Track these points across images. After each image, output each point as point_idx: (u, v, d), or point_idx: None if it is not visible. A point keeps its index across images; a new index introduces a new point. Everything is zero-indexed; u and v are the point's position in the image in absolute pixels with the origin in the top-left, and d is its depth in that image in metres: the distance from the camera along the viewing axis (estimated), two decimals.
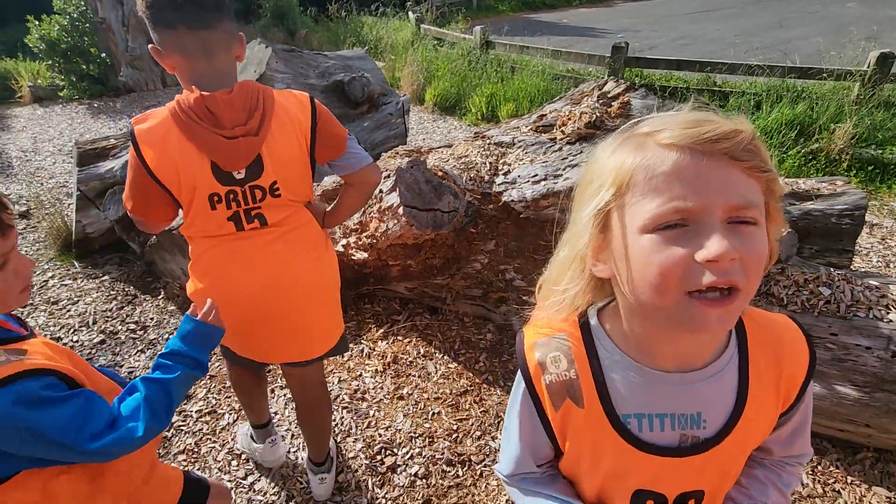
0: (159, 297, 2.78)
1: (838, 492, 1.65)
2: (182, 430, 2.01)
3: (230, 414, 2.06)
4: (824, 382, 1.65)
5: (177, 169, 1.10)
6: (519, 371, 0.65)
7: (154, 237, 2.66)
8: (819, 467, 1.73)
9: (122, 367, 2.35)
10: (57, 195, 4.05)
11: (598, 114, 2.15)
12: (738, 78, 5.07)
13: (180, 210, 1.23)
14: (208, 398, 2.14)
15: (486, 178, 2.16)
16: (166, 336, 2.52)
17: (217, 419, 2.05)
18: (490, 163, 2.25)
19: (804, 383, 0.61)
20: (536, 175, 2.08)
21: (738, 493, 0.68)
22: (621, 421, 0.59)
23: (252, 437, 1.82)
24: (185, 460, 1.88)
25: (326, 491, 1.67)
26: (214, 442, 1.95)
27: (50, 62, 6.69)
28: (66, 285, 2.94)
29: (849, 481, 1.68)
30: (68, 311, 2.73)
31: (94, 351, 2.44)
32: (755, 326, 0.62)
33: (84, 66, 6.63)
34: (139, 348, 2.45)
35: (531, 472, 0.69)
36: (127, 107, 6.44)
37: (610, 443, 0.60)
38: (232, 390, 2.16)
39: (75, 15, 6.51)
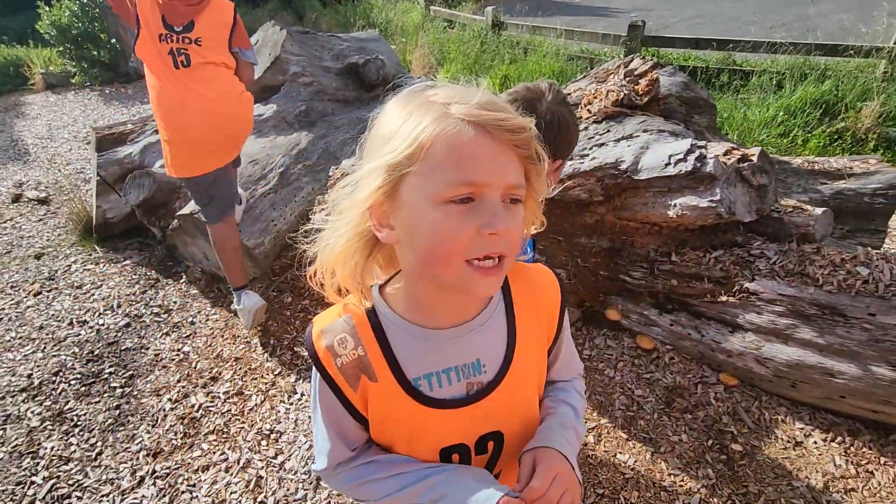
0: (181, 281, 2.80)
1: (871, 472, 1.64)
2: (211, 410, 2.03)
3: (257, 395, 2.08)
4: (859, 363, 1.62)
5: (146, 13, 2.01)
6: (312, 363, 0.66)
7: (176, 221, 2.67)
8: (852, 448, 1.71)
9: (147, 349, 2.37)
10: (75, 181, 4.07)
11: (625, 91, 2.10)
12: (758, 56, 4.93)
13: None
14: (234, 380, 2.16)
15: None
16: (190, 319, 2.54)
17: (245, 400, 2.07)
18: None
19: (560, 316, 0.72)
20: None
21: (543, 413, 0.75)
22: (413, 385, 0.63)
23: (240, 301, 2.32)
24: (215, 440, 1.90)
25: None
26: (243, 423, 1.97)
27: (61, 49, 6.68)
28: (88, 270, 2.97)
29: (882, 462, 1.66)
30: (92, 295, 2.76)
31: (119, 333, 2.47)
32: (514, 275, 0.70)
33: (95, 53, 6.61)
34: (164, 331, 2.48)
35: (346, 459, 0.70)
36: (139, 93, 6.42)
37: (406, 408, 0.63)
38: (258, 373, 2.18)
39: (85, 0, 6.47)
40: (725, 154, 1.78)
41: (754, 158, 1.74)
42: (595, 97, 2.17)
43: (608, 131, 2.05)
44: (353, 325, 0.64)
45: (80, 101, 6.25)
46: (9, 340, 2.47)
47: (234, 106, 2.18)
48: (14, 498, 1.75)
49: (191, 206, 2.61)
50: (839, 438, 1.74)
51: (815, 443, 1.74)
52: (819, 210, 1.83)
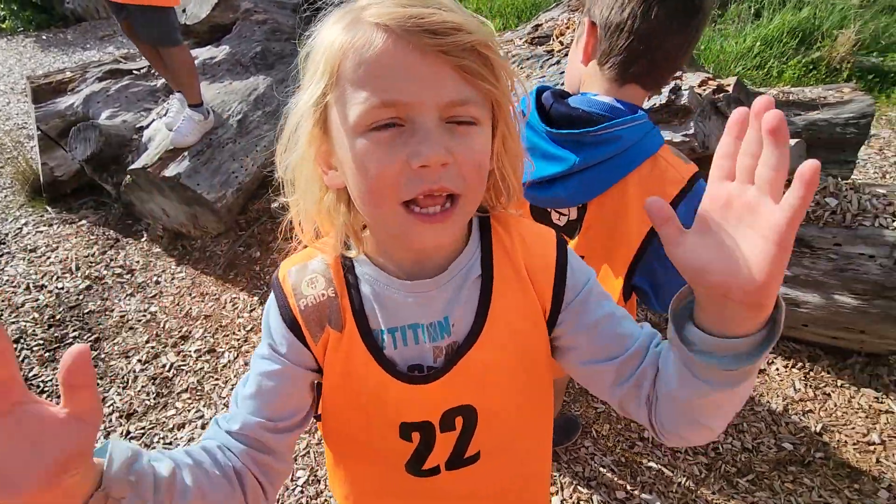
0: (142, 240, 2.68)
1: (828, 395, 1.72)
2: (183, 369, 2.00)
3: (230, 352, 2.05)
4: (822, 292, 1.66)
5: None
6: (271, 302, 0.57)
7: (129, 177, 2.51)
8: (811, 373, 1.79)
9: (112, 311, 2.29)
10: (17, 137, 3.77)
11: None
12: None
13: None
14: (205, 338, 2.12)
15: None
16: (155, 279, 2.45)
17: (217, 357, 2.03)
18: None
19: (557, 283, 0.57)
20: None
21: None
22: (373, 338, 0.55)
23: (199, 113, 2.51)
24: (189, 398, 1.88)
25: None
26: (217, 379, 1.94)
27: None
28: (41, 232, 2.81)
29: (839, 384, 1.75)
30: (48, 258, 2.62)
31: (81, 297, 2.37)
32: (502, 224, 0.59)
33: None
34: (128, 292, 2.39)
35: (242, 429, 0.54)
36: (79, 38, 5.89)
37: (365, 369, 0.55)
38: (229, 330, 2.14)
39: None
40: (701, 85, 1.72)
41: (730, 89, 1.68)
42: (568, 27, 2.05)
43: None
44: (327, 266, 0.57)
45: (15, 49, 5.71)
46: None
47: None
48: None
49: (143, 160, 2.44)
50: (800, 364, 1.82)
51: (778, 369, 1.81)
52: (792, 142, 1.80)
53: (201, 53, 3.08)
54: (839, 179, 1.73)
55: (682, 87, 1.66)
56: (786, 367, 1.81)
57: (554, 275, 0.57)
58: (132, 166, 2.47)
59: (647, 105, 1.71)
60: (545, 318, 0.58)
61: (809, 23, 3.91)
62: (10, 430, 0.33)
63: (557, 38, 2.08)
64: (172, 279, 2.45)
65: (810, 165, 0.35)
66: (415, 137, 0.44)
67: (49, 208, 2.96)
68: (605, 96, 0.82)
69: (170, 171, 2.38)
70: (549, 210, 0.92)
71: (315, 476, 1.60)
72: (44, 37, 5.99)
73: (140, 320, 2.24)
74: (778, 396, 1.73)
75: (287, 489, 1.56)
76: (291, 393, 0.57)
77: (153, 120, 2.75)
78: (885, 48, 3.82)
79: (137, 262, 2.56)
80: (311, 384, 0.59)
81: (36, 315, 2.28)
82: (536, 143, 0.84)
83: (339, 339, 0.55)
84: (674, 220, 0.42)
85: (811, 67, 3.78)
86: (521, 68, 2.13)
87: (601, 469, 1.54)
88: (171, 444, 1.74)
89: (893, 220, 1.55)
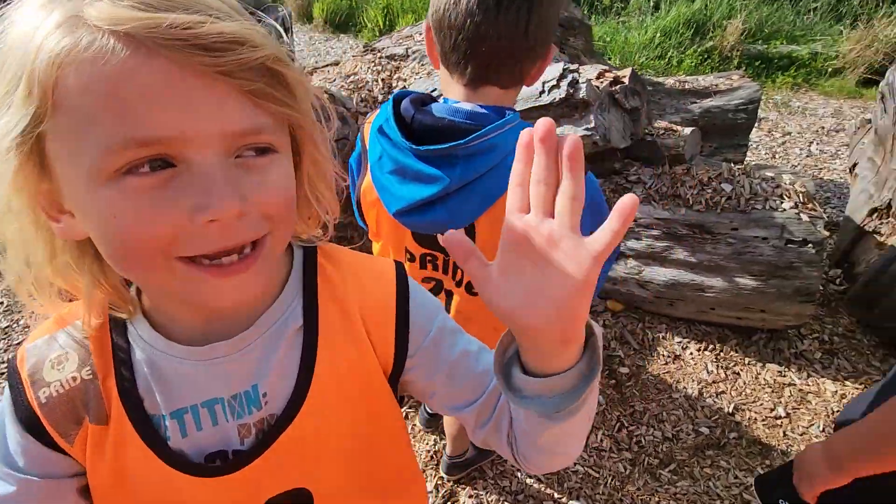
0: None
1: (737, 374, 1.78)
2: None
3: None
4: (725, 276, 1.71)
5: None
6: (3, 399, 0.44)
7: None
8: (721, 354, 1.84)
9: None
10: None
11: None
12: None
13: None
14: None
15: (379, 97, 1.90)
16: None
17: None
18: (382, 79, 1.98)
19: (398, 327, 0.49)
20: (435, 90, 1.85)
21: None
22: (152, 426, 0.43)
23: None
24: None
25: None
26: None
27: None
28: None
29: (746, 362, 1.81)
30: None
31: None
32: (326, 261, 0.49)
33: None
34: None
35: None
36: None
37: (143, 464, 0.42)
38: None
39: None
40: (598, 77, 1.70)
41: (626, 80, 1.68)
42: None
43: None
44: (83, 338, 0.43)
45: None
46: None
47: None
48: None
49: None
50: (710, 346, 1.87)
51: (691, 353, 1.85)
52: (688, 130, 1.84)
53: None
54: (732, 165, 1.79)
55: (580, 80, 1.63)
56: (698, 350, 1.86)
57: (395, 318, 0.49)
58: None
59: (547, 100, 1.67)
60: (388, 371, 0.49)
61: (702, 14, 4.15)
62: None
63: None
64: None
65: (630, 200, 0.32)
66: (195, 185, 0.33)
67: None
68: (466, 103, 0.74)
69: None
70: (435, 235, 0.82)
71: None
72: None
73: None
74: (693, 381, 1.76)
75: None
76: None
77: None
78: (768, 36, 4.12)
79: None
80: (78, 491, 0.44)
81: None
82: (404, 163, 0.74)
83: (103, 433, 0.42)
84: (474, 256, 0.38)
85: (706, 56, 4.00)
86: (423, 65, 2.03)
87: (528, 481, 1.49)
88: None
89: (781, 202, 1.61)
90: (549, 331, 0.37)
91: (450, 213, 0.74)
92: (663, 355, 1.85)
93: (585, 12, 4.30)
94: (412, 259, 0.87)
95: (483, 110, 0.72)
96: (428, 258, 0.86)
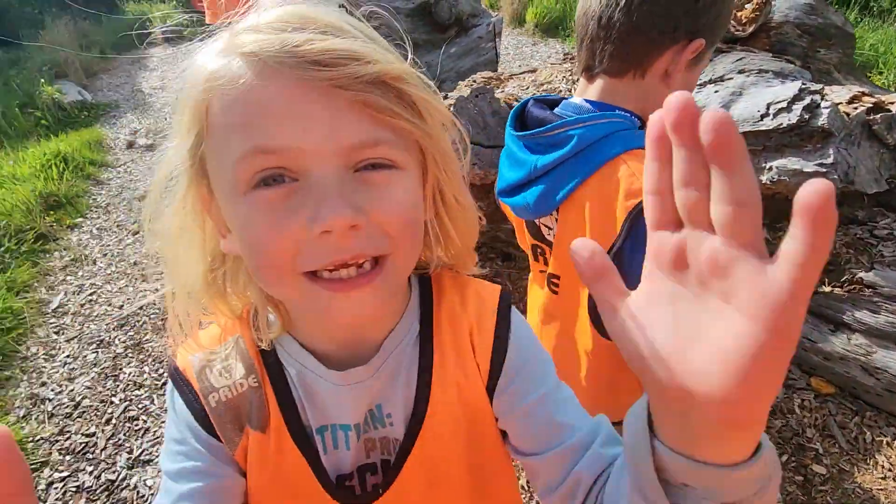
0: None
1: None
2: None
3: None
4: None
5: None
6: (175, 403, 0.45)
7: None
8: None
9: None
10: None
11: None
12: None
13: None
14: None
15: None
16: None
17: None
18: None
19: (495, 351, 0.47)
20: None
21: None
22: (308, 438, 0.45)
23: None
24: None
25: None
26: None
27: (175, 2, 7.19)
28: None
29: None
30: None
31: None
32: (441, 283, 0.49)
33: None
34: None
35: None
36: None
37: (299, 476, 0.44)
38: None
39: None
40: (851, 102, 1.35)
41: (893, 108, 1.30)
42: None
43: None
44: (246, 349, 0.46)
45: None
46: (109, 273, 2.81)
47: None
48: (97, 413, 2.02)
49: None
50: None
51: None
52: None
53: None
54: None
55: (822, 104, 1.32)
56: None
57: (492, 345, 0.47)
58: None
59: (770, 124, 1.40)
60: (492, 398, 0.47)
61: None
62: None
63: None
64: None
65: (817, 188, 0.20)
66: (311, 196, 0.35)
67: None
68: (577, 97, 0.76)
69: None
70: (538, 223, 0.82)
71: None
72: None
73: None
74: None
75: None
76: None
77: None
78: None
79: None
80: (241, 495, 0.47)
81: (158, 287, 2.64)
82: (510, 147, 0.80)
83: (265, 441, 0.44)
84: (609, 277, 0.29)
85: None
86: None
87: None
88: None
89: None
90: (707, 399, 0.25)
91: (530, 199, 0.76)
92: (882, 466, 1.41)
93: (854, 16, 3.43)
94: (531, 251, 0.88)
95: (586, 104, 0.73)
96: (538, 250, 0.86)
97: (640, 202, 0.63)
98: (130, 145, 4.34)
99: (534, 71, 2.16)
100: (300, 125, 0.34)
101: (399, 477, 0.45)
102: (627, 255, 0.64)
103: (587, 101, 0.73)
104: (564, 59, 2.12)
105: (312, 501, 0.45)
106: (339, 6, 0.39)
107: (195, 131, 0.38)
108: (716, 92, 1.55)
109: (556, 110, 0.75)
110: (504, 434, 0.49)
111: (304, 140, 0.34)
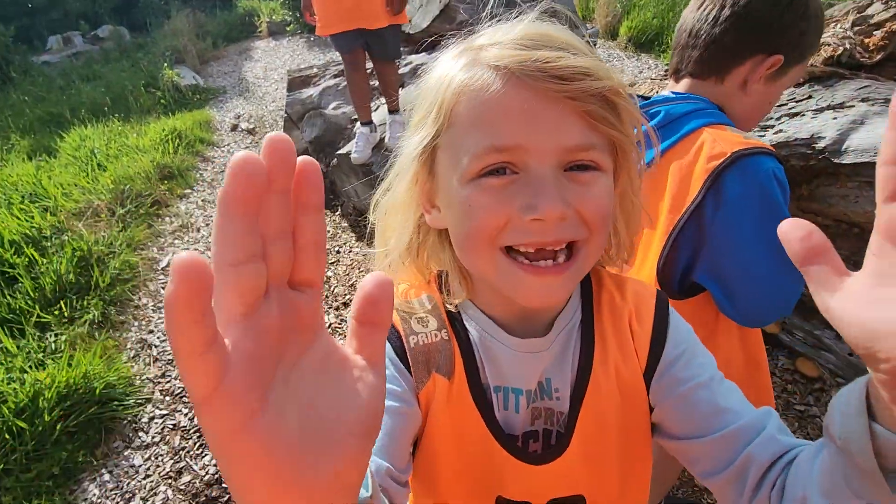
0: (336, 213, 3.14)
1: None
2: (338, 332, 2.29)
3: None
4: None
5: None
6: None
7: (336, 160, 2.97)
8: None
9: None
10: (275, 117, 4.79)
11: (846, 45, 1.60)
12: None
13: None
14: None
15: None
16: (336, 248, 2.86)
17: None
18: None
19: (653, 345, 0.50)
20: None
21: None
22: (484, 394, 0.49)
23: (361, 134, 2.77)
24: None
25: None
26: None
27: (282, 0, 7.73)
28: None
29: None
30: None
31: None
32: (603, 280, 0.54)
33: None
34: None
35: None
36: None
37: (472, 427, 0.49)
38: None
39: None
40: None
41: None
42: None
43: (809, 97, 1.60)
44: (437, 306, 0.52)
45: (291, 47, 7.23)
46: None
47: None
48: None
49: (348, 147, 2.86)
50: None
51: None
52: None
53: (417, 59, 3.45)
54: None
55: None
56: None
57: (651, 335, 0.50)
58: (339, 151, 2.91)
59: None
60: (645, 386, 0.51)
61: None
62: (318, 369, 0.23)
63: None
64: (350, 251, 2.82)
65: None
66: (529, 187, 0.40)
67: None
68: (665, 91, 0.88)
69: (364, 160, 2.74)
70: None
71: None
72: (311, 38, 7.44)
73: None
74: None
75: None
76: (409, 440, 0.49)
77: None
78: None
79: (327, 231, 3.02)
80: (413, 438, 0.51)
81: None
82: None
83: (449, 387, 0.49)
84: (828, 256, 0.28)
85: None
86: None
87: None
88: None
89: None
90: None
91: None
92: None
93: None
94: None
95: (669, 94, 0.85)
96: None
97: (723, 162, 0.70)
98: (234, 128, 4.73)
99: (633, 85, 2.15)
100: (531, 128, 0.40)
101: (567, 447, 0.49)
102: (709, 211, 0.70)
103: (673, 92, 0.86)
104: (665, 77, 2.10)
105: (481, 448, 0.49)
106: (547, 14, 0.46)
107: (437, 126, 0.45)
108: (833, 119, 1.48)
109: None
110: (654, 428, 0.52)
111: (529, 140, 0.40)
